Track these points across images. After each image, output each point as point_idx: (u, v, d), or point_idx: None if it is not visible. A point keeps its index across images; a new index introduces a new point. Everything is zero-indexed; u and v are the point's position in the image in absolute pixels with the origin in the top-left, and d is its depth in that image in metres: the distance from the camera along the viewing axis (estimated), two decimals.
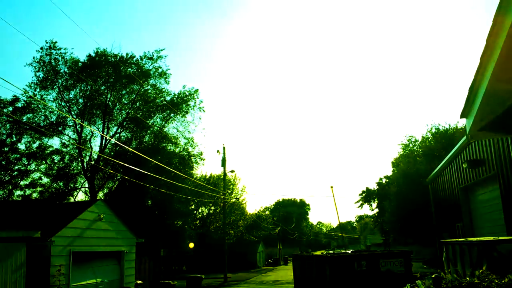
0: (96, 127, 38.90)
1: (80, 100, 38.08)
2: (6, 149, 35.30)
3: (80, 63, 37.80)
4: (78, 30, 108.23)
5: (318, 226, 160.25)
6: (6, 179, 36.02)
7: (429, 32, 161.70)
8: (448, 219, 22.11)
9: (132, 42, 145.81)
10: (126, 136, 40.51)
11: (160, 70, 39.12)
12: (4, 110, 34.46)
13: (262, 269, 54.15)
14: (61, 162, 38.62)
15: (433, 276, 7.44)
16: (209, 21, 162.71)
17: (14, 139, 35.84)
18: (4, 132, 35.19)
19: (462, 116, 6.36)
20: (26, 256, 15.29)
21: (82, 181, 39.44)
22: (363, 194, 63.50)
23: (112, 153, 38.45)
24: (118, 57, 37.98)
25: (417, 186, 33.54)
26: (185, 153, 40.96)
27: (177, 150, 41.08)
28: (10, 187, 36.57)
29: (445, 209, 22.72)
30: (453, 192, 20.95)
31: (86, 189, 38.79)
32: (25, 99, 35.50)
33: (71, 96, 37.98)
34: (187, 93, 40.40)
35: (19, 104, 35.47)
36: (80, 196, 40.47)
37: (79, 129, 37.97)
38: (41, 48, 36.15)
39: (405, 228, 39.47)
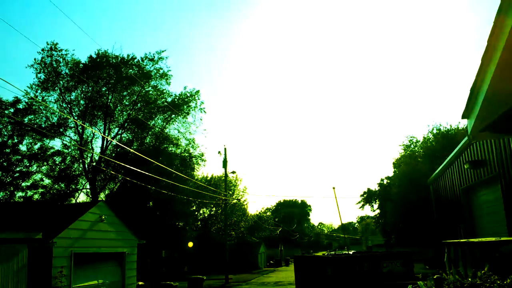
0: (97, 129, 39.01)
1: (81, 102, 38.19)
2: (8, 150, 35.37)
3: (81, 65, 37.91)
4: (79, 32, 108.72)
5: (319, 227, 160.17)
6: (8, 180, 36.08)
7: (430, 32, 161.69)
8: (449, 220, 22.07)
9: (133, 43, 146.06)
10: (127, 137, 40.61)
11: (161, 71, 39.25)
12: (6, 112, 34.53)
13: (264, 270, 54.11)
14: (63, 164, 38.70)
15: (435, 277, 7.44)
16: (210, 22, 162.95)
17: (16, 140, 35.93)
18: (5, 133, 35.27)
19: (463, 117, 6.36)
20: (28, 257, 15.30)
21: (83, 182, 39.55)
22: (365, 195, 63.43)
23: (113, 155, 38.52)
24: (119, 59, 38.08)
25: (419, 186, 33.51)
26: (186, 154, 41.02)
27: (178, 151, 41.16)
28: (12, 189, 36.62)
29: (446, 210, 22.69)
30: (454, 193, 20.93)
31: (88, 190, 38.88)
32: (27, 100, 35.64)
33: (72, 97, 38.12)
34: (188, 94, 40.50)
35: (20, 106, 35.60)
36: (82, 198, 40.63)
37: (81, 131, 38.05)
38: (42, 50, 36.30)
39: (406, 229, 39.43)
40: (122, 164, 27.74)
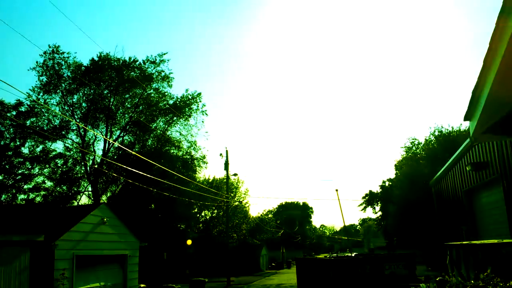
0: (99, 131, 39.04)
1: (83, 104, 38.25)
2: (10, 153, 35.42)
3: (83, 67, 38.00)
4: (81, 34, 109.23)
5: (321, 229, 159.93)
6: (10, 183, 36.12)
7: (432, 34, 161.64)
8: (452, 222, 22.01)
9: (135, 46, 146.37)
10: (129, 139, 40.65)
11: (163, 74, 39.32)
12: (8, 114, 34.62)
13: (265, 273, 54.04)
14: (65, 166, 38.72)
15: (437, 279, 7.44)
16: (211, 25, 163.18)
17: (18, 143, 35.96)
18: (7, 136, 35.32)
19: (465, 118, 6.37)
20: (30, 259, 15.32)
21: (85, 184, 39.56)
22: (366, 197, 63.28)
23: (115, 157, 38.55)
24: (121, 61, 38.17)
25: (421, 189, 33.42)
26: (188, 157, 41.04)
27: (180, 153, 41.18)
28: (14, 191, 36.65)
29: (449, 212, 22.64)
30: (456, 195, 20.88)
31: (90, 192, 38.89)
32: (29, 103, 35.71)
33: (74, 100, 38.18)
34: (190, 97, 40.55)
35: (22, 108, 35.65)
36: (84, 200, 40.55)
37: (83, 133, 38.11)
38: (44, 53, 36.39)
39: (408, 231, 39.32)
40: (124, 166, 27.78)
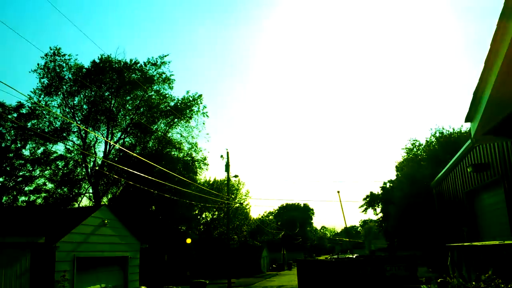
0: (100, 133, 39.09)
1: (85, 106, 38.29)
2: (11, 155, 35.45)
3: (84, 69, 38.06)
4: (83, 37, 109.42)
5: (322, 230, 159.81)
6: (11, 185, 36.14)
7: (434, 36, 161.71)
8: (453, 223, 21.98)
9: (137, 48, 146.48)
10: (130, 141, 40.68)
11: (163, 76, 39.37)
12: (9, 116, 34.65)
13: (266, 274, 53.98)
14: (66, 168, 38.75)
15: (438, 280, 7.43)
16: (211, 27, 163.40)
17: (19, 145, 36.01)
18: (8, 138, 35.36)
19: (467, 120, 6.37)
20: (31, 261, 15.33)
21: (86, 186, 39.57)
22: (367, 199, 63.23)
23: (116, 159, 38.57)
24: (122, 63, 38.22)
25: (422, 190, 33.38)
26: (189, 158, 41.04)
27: (181, 155, 41.19)
28: (15, 193, 36.67)
29: (450, 213, 22.61)
30: (458, 196, 20.85)
31: (90, 194, 38.90)
32: (30, 105, 35.78)
33: (75, 102, 38.25)
34: (191, 99, 40.57)
35: (23, 110, 35.70)
36: (84, 202, 40.59)
37: (84, 135, 38.14)
38: (46, 55, 36.47)
39: (409, 232, 39.28)
40: (125, 168, 27.80)
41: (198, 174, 42.19)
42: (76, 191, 39.10)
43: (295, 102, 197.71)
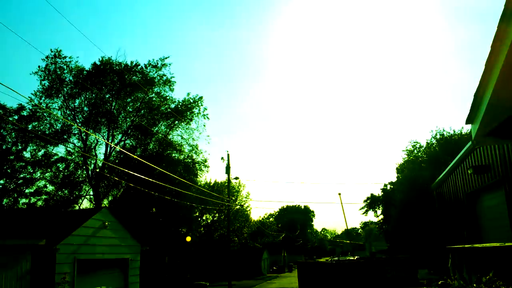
0: (101, 135, 39.09)
1: (85, 108, 38.32)
2: (12, 157, 35.46)
3: (85, 72, 38.08)
4: (83, 39, 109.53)
5: (322, 232, 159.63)
6: (11, 187, 36.15)
7: (434, 37, 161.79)
8: (453, 225, 21.96)
9: (137, 50, 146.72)
10: (130, 143, 40.67)
11: (164, 78, 39.39)
12: (10, 119, 34.67)
13: (267, 277, 53.94)
14: (66, 170, 38.75)
15: (439, 282, 7.42)
16: (213, 28, 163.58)
17: (20, 147, 36.01)
18: (9, 140, 35.36)
19: (467, 122, 6.37)
20: (31, 263, 15.32)
21: (87, 188, 39.55)
22: (368, 201, 63.13)
23: (117, 161, 38.57)
24: (122, 65, 38.25)
25: (422, 192, 33.35)
26: (190, 160, 41.01)
27: (181, 157, 41.15)
28: (15, 195, 36.68)
29: (450, 215, 22.58)
30: (458, 198, 20.82)
31: (91, 196, 38.88)
32: (31, 107, 35.78)
33: (76, 104, 38.25)
34: (191, 101, 40.58)
35: (24, 113, 35.71)
36: (85, 204, 40.53)
37: (84, 137, 38.14)
38: (46, 57, 36.49)
39: (410, 234, 39.21)
40: (126, 170, 27.79)
41: (198, 176, 42.18)
42: (77, 193, 39.10)
43: (297, 104, 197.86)
